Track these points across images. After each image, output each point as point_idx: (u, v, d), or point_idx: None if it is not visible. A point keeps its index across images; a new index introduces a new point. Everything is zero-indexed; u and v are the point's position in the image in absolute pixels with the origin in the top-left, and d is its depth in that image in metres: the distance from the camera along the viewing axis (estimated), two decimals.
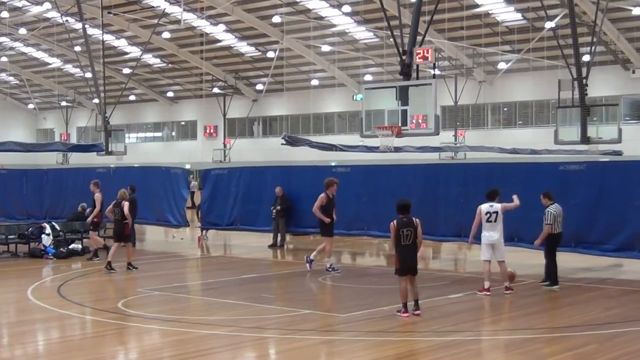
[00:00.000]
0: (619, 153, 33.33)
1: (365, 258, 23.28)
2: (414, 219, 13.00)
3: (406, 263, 12.94)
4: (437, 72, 42.53)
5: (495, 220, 15.44)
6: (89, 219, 21.64)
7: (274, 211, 24.05)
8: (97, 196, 21.65)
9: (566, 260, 19.65)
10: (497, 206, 15.58)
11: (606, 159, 31.62)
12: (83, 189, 29.01)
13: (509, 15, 42.93)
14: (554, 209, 16.22)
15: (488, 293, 15.01)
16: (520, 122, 48.93)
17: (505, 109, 49.82)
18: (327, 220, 18.68)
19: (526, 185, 19.61)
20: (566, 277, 17.77)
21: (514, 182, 19.85)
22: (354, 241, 25.71)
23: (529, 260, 20.16)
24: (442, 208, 20.91)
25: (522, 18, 42.67)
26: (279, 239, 24.51)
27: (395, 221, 12.95)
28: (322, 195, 18.82)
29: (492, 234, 15.36)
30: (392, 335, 11.74)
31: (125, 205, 19.18)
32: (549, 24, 34.23)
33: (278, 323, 12.83)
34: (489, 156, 35.63)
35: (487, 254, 15.48)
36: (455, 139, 46.99)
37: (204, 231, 27.12)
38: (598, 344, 11.24)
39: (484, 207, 15.58)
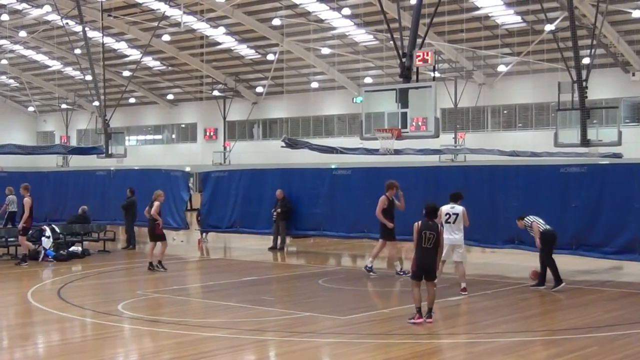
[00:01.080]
0: (619, 155, 33.32)
1: (365, 260, 23.21)
2: (438, 224, 12.87)
3: (423, 266, 12.63)
4: (437, 74, 42.51)
5: (454, 222, 15.47)
6: (20, 225, 21.31)
7: (275, 214, 24.05)
8: (27, 201, 21.18)
9: (566, 262, 19.63)
10: (458, 208, 15.58)
11: (606, 161, 31.62)
12: (83, 192, 29.14)
13: (509, 18, 42.95)
14: (532, 218, 16.59)
15: (465, 293, 15.16)
16: (520, 124, 48.95)
17: (505, 112, 49.83)
18: (391, 225, 18.23)
19: (527, 188, 19.66)
20: (566, 280, 17.72)
21: (514, 185, 19.90)
22: (355, 244, 25.70)
23: (529, 263, 20.14)
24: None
25: (521, 21, 42.70)
26: (279, 241, 24.50)
27: (419, 222, 12.75)
28: (383, 197, 18.30)
29: (448, 235, 15.13)
30: (393, 337, 11.73)
31: (155, 205, 19.65)
32: (548, 27, 34.23)
33: (278, 325, 12.82)
34: (489, 159, 35.62)
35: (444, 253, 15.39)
36: (455, 142, 47.00)
37: (204, 234, 27.13)
38: (598, 346, 11.23)
39: (445, 208, 15.60)
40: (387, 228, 18.30)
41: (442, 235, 12.78)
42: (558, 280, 16.07)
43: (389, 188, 18.34)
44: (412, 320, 12.43)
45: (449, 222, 15.48)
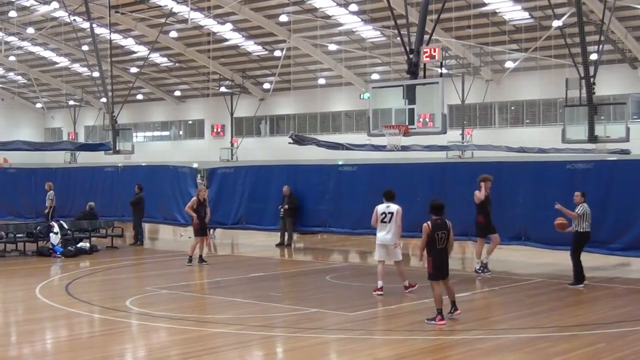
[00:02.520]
0: (626, 152, 33.24)
1: (372, 257, 23.21)
2: (447, 221, 12.65)
3: (441, 266, 12.53)
4: (444, 70, 42.64)
5: (389, 221, 15.16)
6: None
7: (282, 210, 24.08)
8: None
9: None
10: (393, 207, 15.25)
11: (614, 157, 31.55)
12: (91, 188, 29.21)
13: (516, 14, 42.84)
14: (586, 207, 16.17)
15: (381, 293, 14.90)
16: (527, 120, 48.84)
17: (512, 108, 49.73)
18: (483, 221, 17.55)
19: (533, 184, 19.65)
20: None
21: (521, 181, 19.90)
22: (360, 240, 25.71)
23: (536, 259, 20.18)
24: (449, 207, 20.79)
25: (529, 17, 42.59)
26: (286, 237, 24.52)
27: (429, 223, 12.53)
28: (477, 192, 17.70)
29: (384, 235, 15.13)
30: (399, 334, 11.74)
31: (191, 200, 20.55)
32: (556, 23, 34.16)
33: (285, 322, 12.84)
34: (497, 155, 35.57)
35: (380, 254, 15.36)
36: (463, 138, 46.94)
37: (212, 230, 27.17)
38: (606, 342, 11.23)
39: (381, 207, 15.34)
40: (480, 224, 17.72)
41: (452, 232, 12.65)
42: (579, 279, 15.99)
43: (483, 182, 17.65)
44: (433, 322, 12.24)
45: (385, 222, 15.18)
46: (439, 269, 12.54)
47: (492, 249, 18.00)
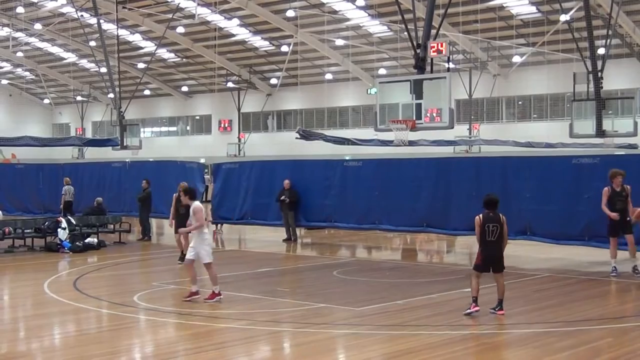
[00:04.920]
0: (634, 146, 33.17)
1: (379, 252, 23.29)
2: (500, 215, 12.63)
3: (489, 259, 12.52)
4: (451, 65, 42.50)
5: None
6: None
7: (279, 201, 23.99)
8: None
9: (580, 253, 19.66)
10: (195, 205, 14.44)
11: (622, 152, 31.49)
12: (99, 184, 29.29)
13: (524, 9, 42.78)
14: None
15: (197, 296, 14.00)
16: (535, 115, 48.78)
17: (520, 103, 49.67)
18: (614, 215, 16.43)
19: (539, 179, 19.64)
20: (580, 271, 17.76)
21: (527, 176, 19.89)
22: (368, 235, 25.74)
23: (542, 254, 20.17)
24: (455, 202, 20.93)
25: (536, 11, 42.51)
26: (291, 233, 24.55)
27: (480, 215, 12.61)
28: (606, 189, 16.67)
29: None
30: (407, 329, 11.75)
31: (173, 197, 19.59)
32: (563, 17, 34.06)
33: (292, 317, 12.87)
34: (504, 150, 35.55)
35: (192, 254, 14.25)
36: (470, 133, 46.90)
37: (219, 225, 27.21)
38: (613, 337, 11.23)
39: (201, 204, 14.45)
40: (610, 222, 16.65)
41: (505, 226, 12.61)
42: None
43: (613, 177, 16.55)
44: (468, 311, 12.38)
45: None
46: (485, 262, 12.58)
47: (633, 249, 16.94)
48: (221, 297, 13.93)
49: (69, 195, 28.00)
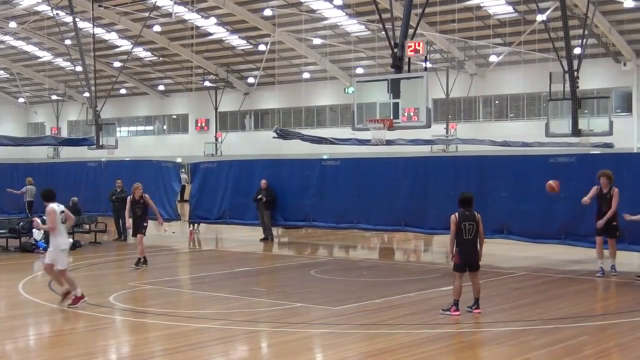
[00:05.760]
0: (610, 145, 33.42)
1: (357, 251, 23.29)
2: (475, 213, 12.60)
3: (467, 258, 12.52)
4: (428, 65, 42.61)
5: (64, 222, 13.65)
6: None
7: (257, 201, 23.94)
8: None
9: (556, 252, 19.78)
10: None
11: (597, 151, 31.71)
12: (74, 183, 29.07)
13: (501, 8, 42.95)
14: None
15: (84, 300, 13.44)
16: (511, 114, 49.02)
17: (496, 102, 49.89)
18: (599, 224, 16.24)
19: (516, 178, 19.74)
20: (557, 269, 17.85)
21: (504, 175, 19.99)
22: (345, 234, 25.74)
23: (518, 253, 20.26)
24: (432, 201, 20.97)
25: (513, 11, 42.70)
26: (267, 232, 24.50)
27: (456, 214, 12.56)
28: (595, 187, 16.45)
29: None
30: (384, 327, 11.75)
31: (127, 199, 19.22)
32: (540, 17, 34.23)
33: (269, 316, 12.83)
34: (481, 149, 35.70)
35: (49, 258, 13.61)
36: (447, 132, 47.05)
37: (196, 225, 27.10)
38: (589, 335, 11.29)
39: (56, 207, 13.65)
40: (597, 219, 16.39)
41: (481, 224, 12.59)
42: None
43: (598, 177, 16.39)
44: (447, 312, 12.36)
45: (64, 222, 13.71)
46: (464, 260, 12.57)
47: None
48: (85, 299, 13.38)
49: (30, 195, 27.78)
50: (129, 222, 18.90)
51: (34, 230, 22.26)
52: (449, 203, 18.84)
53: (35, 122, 73.49)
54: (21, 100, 70.59)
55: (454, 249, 12.61)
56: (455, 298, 12.46)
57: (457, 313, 12.34)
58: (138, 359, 10.33)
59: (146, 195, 18.92)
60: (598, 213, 16.41)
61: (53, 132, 66.80)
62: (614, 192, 16.21)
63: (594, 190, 16.44)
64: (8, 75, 67.14)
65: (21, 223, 22.98)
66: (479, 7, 43.04)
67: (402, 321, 12.24)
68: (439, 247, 23.12)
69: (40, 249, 21.67)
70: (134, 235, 18.97)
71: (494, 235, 19.93)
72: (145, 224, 18.77)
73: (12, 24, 51.77)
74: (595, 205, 16.52)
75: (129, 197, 19.05)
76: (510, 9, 42.65)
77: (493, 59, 46.56)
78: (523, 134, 41.27)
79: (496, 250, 20.89)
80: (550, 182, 16.17)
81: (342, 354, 10.30)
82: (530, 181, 19.40)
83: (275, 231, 25.71)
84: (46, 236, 22.13)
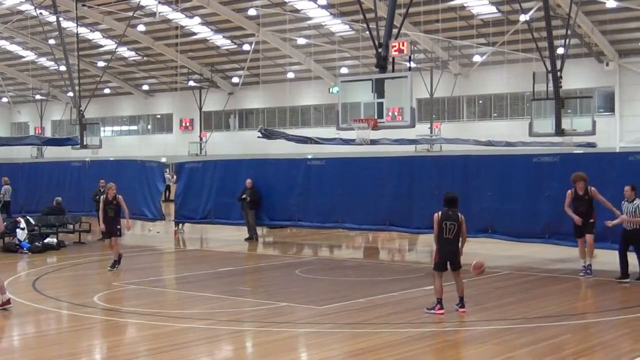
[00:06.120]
0: (593, 145, 33.57)
1: (341, 250, 23.33)
2: (459, 214, 12.68)
3: (446, 257, 12.62)
4: (412, 64, 42.71)
5: None
6: None
7: (241, 200, 23.95)
8: None
9: (540, 251, 19.90)
10: None
11: (580, 150, 31.87)
12: (58, 183, 28.95)
13: (484, 8, 43.08)
14: None
15: (9, 305, 13.10)
16: (495, 114, 49.18)
17: (480, 102, 50.04)
18: (577, 220, 16.34)
19: (500, 177, 19.84)
20: (540, 268, 17.97)
21: (488, 174, 20.08)
22: (330, 234, 25.78)
23: (502, 252, 20.34)
24: (417, 200, 21.04)
25: (497, 11, 42.84)
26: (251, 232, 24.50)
27: (439, 213, 12.67)
28: (569, 191, 16.52)
29: None
30: (368, 327, 11.79)
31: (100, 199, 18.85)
32: (523, 17, 34.36)
33: (254, 316, 12.85)
34: (465, 148, 35.80)
35: None
36: (431, 132, 47.15)
37: (180, 225, 27.07)
38: (571, 334, 11.38)
39: None
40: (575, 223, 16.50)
41: (464, 224, 12.67)
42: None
43: (575, 181, 16.39)
44: (432, 311, 12.44)
45: None
46: (443, 259, 12.65)
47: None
48: (11, 305, 13.10)
49: (7, 195, 27.72)
50: (102, 223, 18.37)
51: (17, 230, 22.21)
52: (433, 202, 18.87)
53: (19, 121, 73.08)
54: (4, 99, 70.13)
55: (436, 248, 12.74)
56: (437, 297, 12.53)
57: (441, 311, 12.41)
58: (123, 359, 10.32)
59: (119, 196, 18.33)
60: (576, 214, 16.42)
61: (37, 131, 66.43)
62: (592, 191, 16.28)
63: (569, 195, 16.47)
64: None
65: (4, 223, 22.81)
66: (462, 7, 43.17)
67: (386, 320, 12.29)
68: (423, 247, 23.19)
69: (24, 249, 21.62)
70: (108, 237, 18.54)
71: (478, 234, 20.04)
72: (118, 226, 18.32)
73: None
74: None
75: (102, 197, 18.62)
76: (493, 9, 42.80)
77: (477, 58, 46.71)
78: (507, 133, 41.41)
79: (480, 250, 20.94)
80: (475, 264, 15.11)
81: (326, 353, 10.34)
82: (514, 181, 19.52)
83: (260, 231, 25.71)
84: (30, 236, 22.17)
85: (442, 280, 12.63)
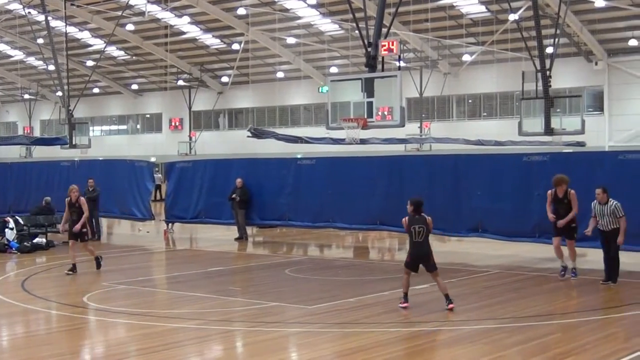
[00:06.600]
0: (582, 144, 33.69)
1: (331, 250, 23.33)
2: (425, 216, 13.00)
3: (418, 259, 12.98)
4: (402, 64, 42.80)
5: None
6: None
7: (231, 200, 23.95)
8: None
9: (531, 250, 19.93)
10: None
11: (569, 149, 31.97)
12: (47, 183, 28.83)
13: (473, 8, 43.17)
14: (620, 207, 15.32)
15: None
16: (484, 113, 49.28)
17: (470, 101, 50.14)
18: (551, 217, 16.20)
19: (490, 177, 19.87)
20: (530, 267, 18.01)
21: (478, 174, 20.10)
22: (320, 233, 25.78)
23: (493, 251, 20.38)
24: (407, 199, 20.98)
25: (486, 10, 42.93)
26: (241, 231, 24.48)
27: (406, 217, 13.02)
28: (549, 191, 16.38)
29: None
30: (359, 326, 11.79)
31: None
32: (512, 16, 34.47)
33: (244, 316, 12.84)
34: (455, 148, 35.86)
35: None
36: (421, 131, 47.20)
37: (170, 224, 27.03)
38: (561, 333, 11.41)
39: None
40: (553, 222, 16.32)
41: (431, 226, 13.04)
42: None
43: (556, 184, 16.19)
44: (400, 305, 12.91)
45: None
46: (415, 261, 13.04)
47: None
48: None
49: None
50: (65, 226, 17.90)
51: (6, 230, 22.13)
52: (425, 202, 18.91)
53: (7, 121, 72.81)
54: None
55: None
56: (404, 291, 13.04)
57: (406, 304, 12.89)
58: (113, 359, 10.29)
59: (82, 198, 17.92)
60: (556, 216, 16.26)
61: (26, 131, 66.16)
62: (571, 194, 16.20)
63: (549, 195, 16.34)
64: None
65: None
66: (451, 7, 43.24)
67: (377, 320, 12.29)
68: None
69: (13, 249, 21.55)
70: (69, 239, 17.71)
71: (468, 234, 20.08)
72: (84, 229, 17.67)
73: None
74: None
75: (66, 199, 17.88)
76: (482, 8, 42.88)
77: (466, 58, 46.80)
78: (496, 132, 41.49)
79: (470, 249, 21.05)
80: None
81: (316, 353, 10.33)
82: (504, 180, 19.55)
83: (250, 230, 25.70)
84: (19, 236, 22.09)
85: (409, 277, 13.10)
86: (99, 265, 17.92)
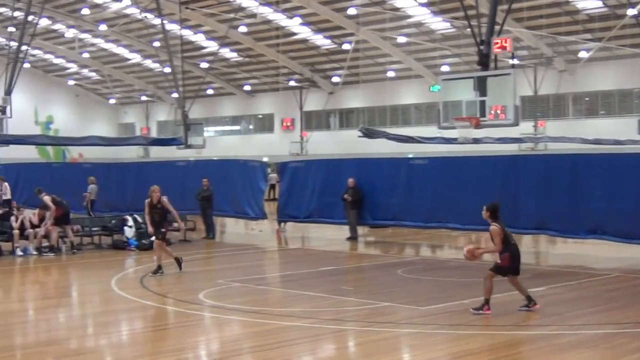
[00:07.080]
0: None
1: (444, 250, 23.08)
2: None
3: (518, 260, 12.85)
4: (515, 61, 42.03)
5: None
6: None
7: (344, 200, 23.98)
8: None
9: None
10: None
11: None
12: (164, 182, 29.52)
13: (590, 3, 41.97)
14: None
15: None
16: (602, 112, 47.82)
17: (587, 99, 48.77)
18: None
19: (610, 177, 19.21)
20: None
21: (596, 174, 19.47)
22: (431, 234, 25.53)
23: (614, 254, 19.75)
24: (523, 200, 20.55)
25: (603, 5, 41.68)
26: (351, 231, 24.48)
27: (497, 224, 12.85)
28: None
29: None
30: (473, 329, 11.60)
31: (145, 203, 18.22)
32: (631, 11, 33.34)
33: (357, 315, 12.81)
34: (571, 147, 34.96)
35: None
36: (535, 130, 46.22)
37: (282, 224, 27.29)
38: None
39: None
40: None
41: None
42: None
43: None
44: (480, 311, 12.45)
45: None
46: (516, 262, 12.81)
47: None
48: None
49: (94, 194, 28.70)
50: (151, 227, 17.56)
51: (125, 228, 22.81)
52: (540, 202, 18.53)
53: (126, 122, 75.16)
54: (112, 101, 72.36)
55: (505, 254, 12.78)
56: (486, 297, 12.57)
57: (489, 311, 12.45)
58: (227, 356, 10.44)
59: (164, 198, 17.67)
60: None
61: (143, 132, 68.23)
62: None
63: None
64: (99, 77, 68.88)
65: (113, 221, 23.53)
66: (567, 2, 42.16)
67: (491, 322, 12.06)
68: (529, 248, 22.72)
69: (132, 246, 22.19)
70: (156, 239, 17.74)
71: (587, 235, 19.45)
72: (163, 230, 17.59)
73: (103, 27, 53.07)
74: None
75: (146, 201, 17.72)
76: (599, 3, 41.65)
77: (583, 54, 45.56)
78: (615, 131, 40.23)
79: (589, 251, 20.44)
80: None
81: (429, 354, 10.22)
82: (624, 180, 18.85)
83: (361, 230, 25.66)
84: (138, 234, 22.74)
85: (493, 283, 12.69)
86: (157, 271, 17.23)
